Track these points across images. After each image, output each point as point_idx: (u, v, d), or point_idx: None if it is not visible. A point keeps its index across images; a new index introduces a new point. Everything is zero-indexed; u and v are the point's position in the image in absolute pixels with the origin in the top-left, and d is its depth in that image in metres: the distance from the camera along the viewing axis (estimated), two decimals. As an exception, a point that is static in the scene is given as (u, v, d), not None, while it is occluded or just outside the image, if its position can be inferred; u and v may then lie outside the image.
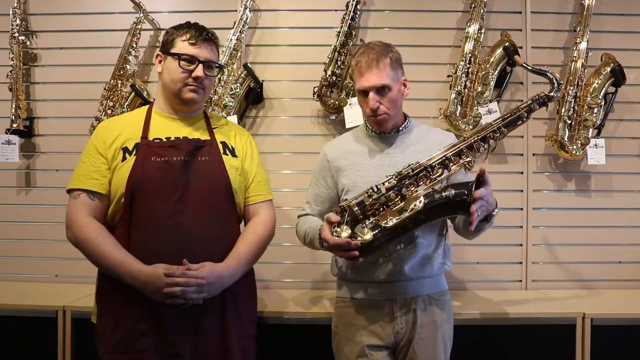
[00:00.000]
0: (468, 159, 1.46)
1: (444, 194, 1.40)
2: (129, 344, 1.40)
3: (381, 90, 1.52)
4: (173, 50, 1.48)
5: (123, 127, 1.51)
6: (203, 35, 1.49)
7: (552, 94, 1.51)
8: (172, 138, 1.49)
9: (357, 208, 1.45)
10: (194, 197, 1.44)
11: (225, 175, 1.50)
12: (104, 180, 1.45)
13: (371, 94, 1.52)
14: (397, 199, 1.44)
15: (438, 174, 1.45)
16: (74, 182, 1.46)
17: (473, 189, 1.37)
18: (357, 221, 1.45)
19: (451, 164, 1.46)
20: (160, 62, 1.52)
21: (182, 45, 1.47)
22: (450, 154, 1.47)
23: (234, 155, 1.57)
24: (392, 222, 1.39)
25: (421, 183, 1.44)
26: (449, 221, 1.65)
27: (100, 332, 1.45)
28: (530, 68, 1.60)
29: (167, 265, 1.35)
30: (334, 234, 1.42)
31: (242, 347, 1.50)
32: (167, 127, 1.52)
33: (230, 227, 1.53)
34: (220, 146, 1.55)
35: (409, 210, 1.40)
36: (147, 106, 1.59)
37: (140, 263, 1.36)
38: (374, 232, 1.40)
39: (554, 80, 1.52)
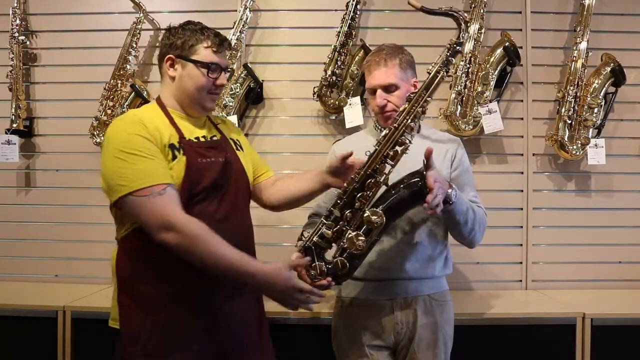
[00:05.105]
0: (406, 144, 1.38)
1: (399, 194, 1.37)
2: (172, 348, 1.33)
3: (388, 88, 1.54)
4: (196, 58, 1.41)
5: (155, 123, 1.38)
6: (225, 44, 1.45)
7: (460, 39, 1.38)
8: (201, 138, 1.45)
9: (319, 240, 1.40)
10: (233, 194, 1.45)
11: (245, 170, 1.52)
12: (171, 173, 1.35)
13: (379, 92, 1.54)
14: (356, 216, 1.37)
15: (384, 172, 1.39)
16: (151, 179, 1.27)
17: (425, 173, 1.33)
18: (324, 250, 1.42)
19: (392, 158, 1.39)
20: (172, 65, 1.43)
21: (206, 53, 1.41)
22: (387, 150, 1.38)
23: (241, 149, 1.58)
24: (360, 245, 1.35)
25: (372, 190, 1.38)
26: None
27: (133, 337, 1.35)
28: (429, 10, 1.42)
29: (290, 263, 1.35)
30: (314, 279, 1.38)
31: (268, 337, 1.56)
32: (188, 127, 1.46)
33: (250, 217, 1.56)
34: (232, 143, 1.55)
35: (372, 227, 1.35)
36: (153, 105, 1.48)
37: (258, 261, 1.33)
38: (344, 257, 1.37)
39: (460, 19, 1.38)
